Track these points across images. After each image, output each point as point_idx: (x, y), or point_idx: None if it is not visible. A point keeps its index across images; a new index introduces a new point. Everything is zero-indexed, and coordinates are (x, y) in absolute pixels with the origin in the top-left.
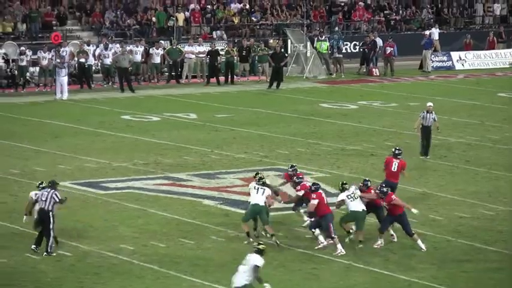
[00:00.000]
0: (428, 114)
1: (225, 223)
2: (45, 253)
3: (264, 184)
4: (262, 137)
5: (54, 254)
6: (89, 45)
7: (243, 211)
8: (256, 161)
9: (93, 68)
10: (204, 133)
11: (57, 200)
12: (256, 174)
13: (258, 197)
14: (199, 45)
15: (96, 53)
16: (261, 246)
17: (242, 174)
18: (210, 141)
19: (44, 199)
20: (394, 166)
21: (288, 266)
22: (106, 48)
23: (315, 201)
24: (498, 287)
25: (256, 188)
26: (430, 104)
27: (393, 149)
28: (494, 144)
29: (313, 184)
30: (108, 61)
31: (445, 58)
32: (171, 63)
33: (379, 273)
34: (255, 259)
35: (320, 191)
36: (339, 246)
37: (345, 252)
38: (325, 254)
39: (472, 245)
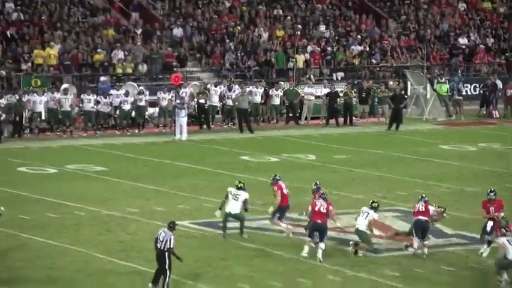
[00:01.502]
0: None
1: (342, 263)
2: None
3: None
4: (380, 178)
5: None
6: (216, 87)
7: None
8: None
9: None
10: (322, 174)
11: (169, 247)
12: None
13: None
14: (324, 87)
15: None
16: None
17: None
18: (329, 182)
19: (161, 239)
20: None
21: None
22: (230, 89)
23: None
24: None
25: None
26: None
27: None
28: None
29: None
30: (230, 102)
31: None
32: (287, 104)
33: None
34: None
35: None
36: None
37: None
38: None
39: None
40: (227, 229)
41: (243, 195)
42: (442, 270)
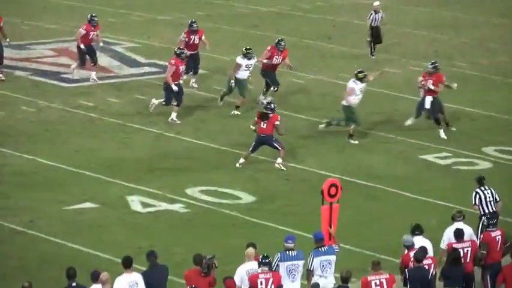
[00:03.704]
0: (376, 15)
1: (35, 94)
2: None
3: None
4: (72, 8)
5: None
6: None
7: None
8: (67, 32)
9: None
10: (13, 4)
11: None
12: None
13: None
14: None
15: None
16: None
17: (53, 44)
18: (20, 12)
19: None
20: None
21: (101, 136)
22: None
23: None
24: None
25: None
26: (377, 3)
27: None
28: (305, 13)
29: None
30: None
31: None
32: None
33: (190, 142)
34: None
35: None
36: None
37: None
38: (136, 124)
39: None
40: None
41: None
42: (136, 99)
